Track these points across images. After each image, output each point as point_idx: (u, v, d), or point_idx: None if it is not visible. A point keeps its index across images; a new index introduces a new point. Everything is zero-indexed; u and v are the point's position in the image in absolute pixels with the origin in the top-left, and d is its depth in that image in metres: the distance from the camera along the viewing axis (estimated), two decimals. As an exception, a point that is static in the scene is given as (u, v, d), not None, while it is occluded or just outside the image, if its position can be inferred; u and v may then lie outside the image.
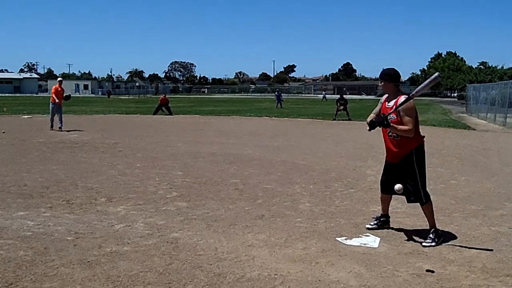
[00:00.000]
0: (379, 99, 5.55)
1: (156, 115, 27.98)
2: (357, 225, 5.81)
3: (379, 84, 5.39)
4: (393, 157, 5.30)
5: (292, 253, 4.79)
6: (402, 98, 5.07)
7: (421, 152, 5.27)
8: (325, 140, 15.79)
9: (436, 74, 5.15)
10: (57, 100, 17.62)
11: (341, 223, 5.90)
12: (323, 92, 76.68)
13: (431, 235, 5.19)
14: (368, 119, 5.24)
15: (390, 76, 5.24)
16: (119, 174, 8.89)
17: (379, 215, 5.78)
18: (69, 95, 19.54)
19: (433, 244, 5.07)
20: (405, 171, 5.23)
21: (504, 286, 4.06)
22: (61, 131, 16.98)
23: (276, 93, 43.00)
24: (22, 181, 8.05)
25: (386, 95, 5.36)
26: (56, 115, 17.76)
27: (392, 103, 5.18)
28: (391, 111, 5.11)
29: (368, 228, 5.64)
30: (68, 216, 5.99)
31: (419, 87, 5.11)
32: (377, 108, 5.45)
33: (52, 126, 17.67)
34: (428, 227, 5.37)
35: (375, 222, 5.72)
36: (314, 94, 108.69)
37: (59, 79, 19.39)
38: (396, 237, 5.35)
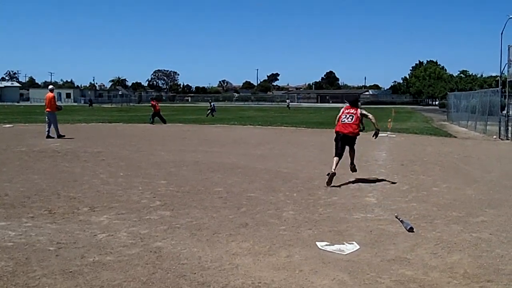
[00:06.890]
0: (341, 108, 9.74)
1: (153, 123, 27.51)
2: (340, 232, 5.85)
3: (347, 105, 9.59)
4: (349, 131, 9.14)
5: (276, 261, 4.80)
6: (360, 110, 9.40)
7: None
8: (308, 148, 15.86)
9: None
10: (48, 109, 17.80)
11: (325, 230, 5.93)
12: (287, 100, 76.09)
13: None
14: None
15: (356, 101, 9.80)
16: (102, 183, 8.83)
17: (331, 172, 8.77)
18: (61, 106, 20.09)
19: None
20: (352, 141, 9.30)
21: (485, 292, 4.12)
22: (52, 138, 17.15)
23: (210, 103, 38.95)
24: (3, 191, 7.95)
25: (346, 105, 9.56)
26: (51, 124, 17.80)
27: (353, 110, 9.33)
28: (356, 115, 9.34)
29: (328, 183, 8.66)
30: (50, 226, 5.93)
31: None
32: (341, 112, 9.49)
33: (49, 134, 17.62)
34: (409, 234, 5.51)
35: (329, 178, 8.78)
36: (297, 102, 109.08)
37: (50, 87, 19.51)
38: (379, 244, 5.39)
